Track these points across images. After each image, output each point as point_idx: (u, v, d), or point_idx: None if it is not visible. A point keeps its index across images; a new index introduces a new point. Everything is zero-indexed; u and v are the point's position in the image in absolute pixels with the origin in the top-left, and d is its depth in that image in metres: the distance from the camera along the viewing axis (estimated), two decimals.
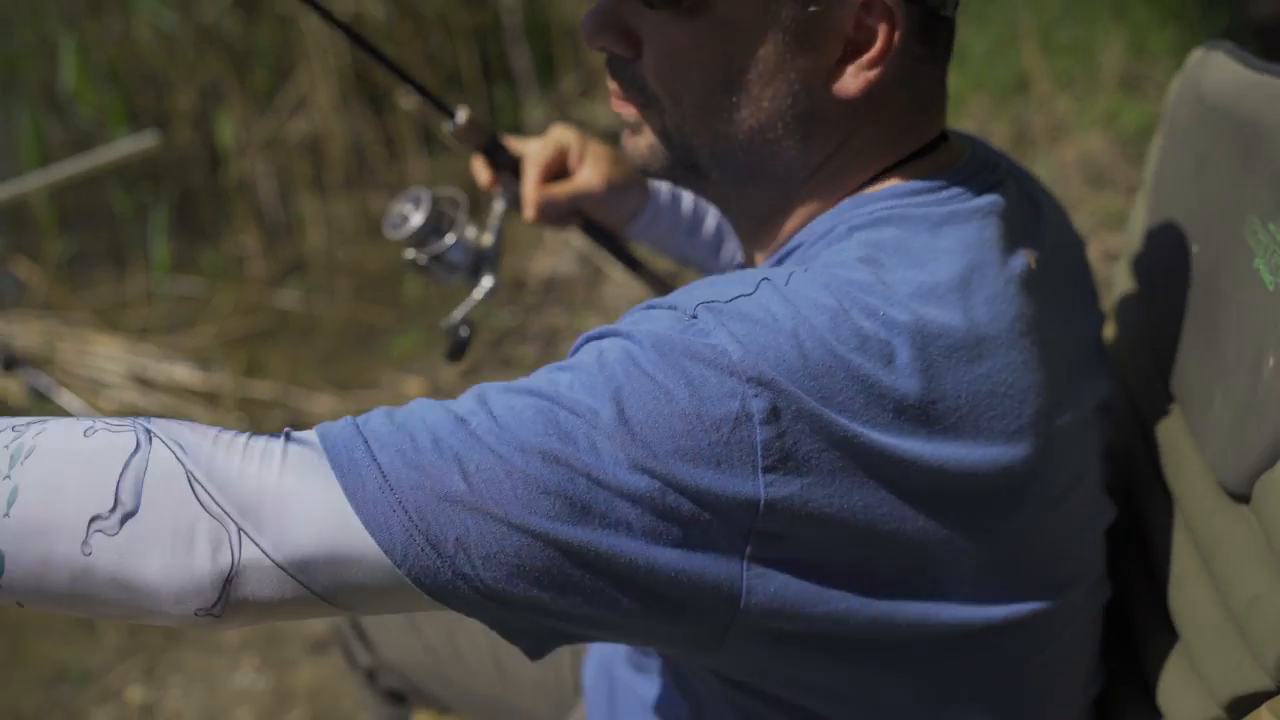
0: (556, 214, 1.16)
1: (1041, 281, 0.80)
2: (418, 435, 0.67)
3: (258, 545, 0.65)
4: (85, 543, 0.64)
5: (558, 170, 1.16)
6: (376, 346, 3.35)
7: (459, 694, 1.30)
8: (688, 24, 0.77)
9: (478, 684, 1.28)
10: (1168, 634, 0.85)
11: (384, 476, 0.66)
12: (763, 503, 0.67)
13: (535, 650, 0.73)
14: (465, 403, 0.70)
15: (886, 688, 0.79)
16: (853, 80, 0.77)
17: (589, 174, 1.16)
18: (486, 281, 1.14)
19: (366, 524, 0.66)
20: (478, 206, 1.16)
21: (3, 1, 4.03)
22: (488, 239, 1.14)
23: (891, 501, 0.69)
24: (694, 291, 0.73)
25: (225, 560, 0.64)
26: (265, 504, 0.65)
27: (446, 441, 0.67)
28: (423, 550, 0.66)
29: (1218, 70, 0.92)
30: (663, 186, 1.22)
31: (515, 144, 1.18)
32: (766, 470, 0.67)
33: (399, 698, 1.37)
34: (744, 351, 0.67)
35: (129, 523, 0.64)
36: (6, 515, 0.63)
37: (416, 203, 1.11)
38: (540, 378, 0.71)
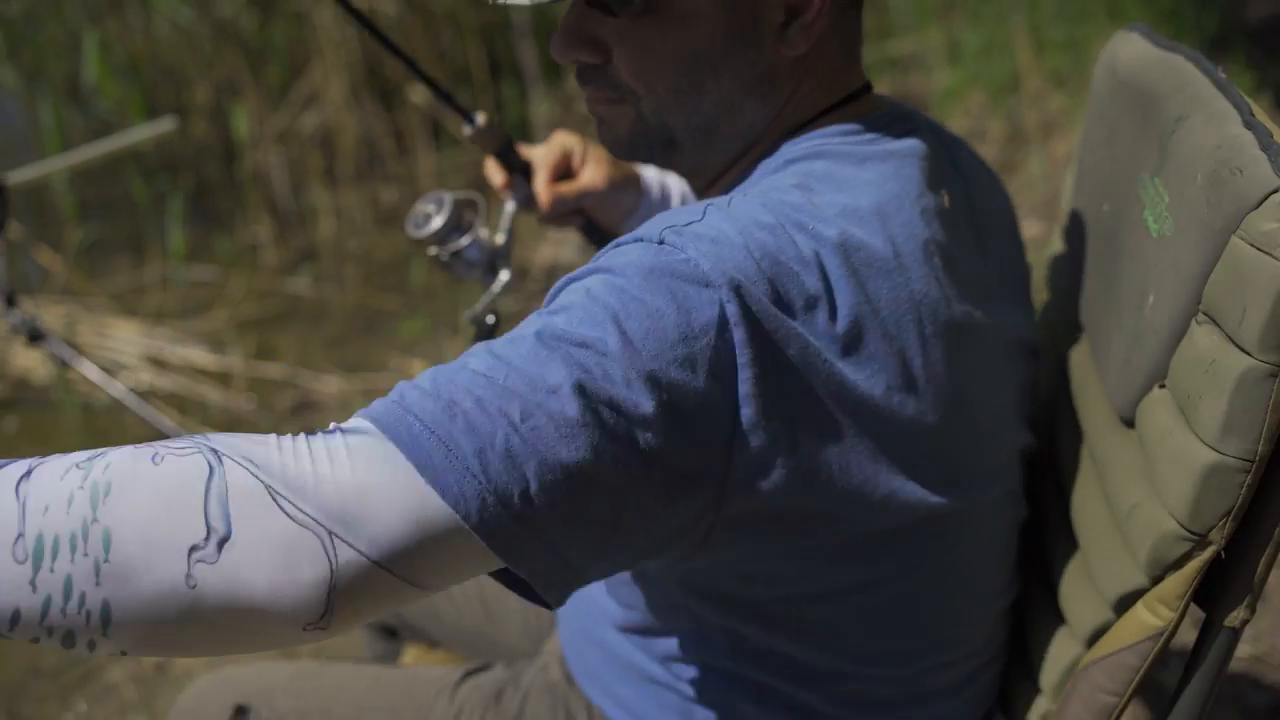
0: (564, 211, 1.27)
1: (954, 218, 0.90)
2: (460, 400, 0.70)
3: (354, 548, 0.66)
4: (189, 575, 0.64)
5: (564, 172, 1.27)
6: (383, 331, 3.45)
7: (447, 629, 1.40)
8: (650, 22, 0.87)
9: (465, 620, 1.38)
10: (1070, 545, 0.96)
11: (447, 448, 0.69)
12: (743, 397, 0.77)
13: (560, 601, 0.77)
14: (481, 359, 0.74)
15: (831, 581, 0.88)
16: (799, 39, 0.87)
17: (592, 174, 1.26)
18: (504, 275, 1.23)
19: (444, 496, 0.68)
20: (489, 207, 1.26)
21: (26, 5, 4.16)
22: (500, 237, 1.24)
23: (825, 398, 0.79)
24: (652, 224, 0.82)
25: (324, 569, 0.65)
26: (349, 504, 0.66)
27: (488, 400, 0.70)
28: (495, 510, 0.69)
29: (1130, 48, 1.02)
30: (653, 184, 1.33)
31: (525, 149, 1.28)
32: (744, 367, 0.76)
33: (391, 633, 1.47)
34: (711, 263, 0.77)
35: (226, 548, 0.64)
36: (107, 561, 0.63)
37: (439, 204, 1.21)
38: (538, 323, 0.77)
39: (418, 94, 4.26)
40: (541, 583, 0.74)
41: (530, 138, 4.22)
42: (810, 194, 0.84)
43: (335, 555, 0.66)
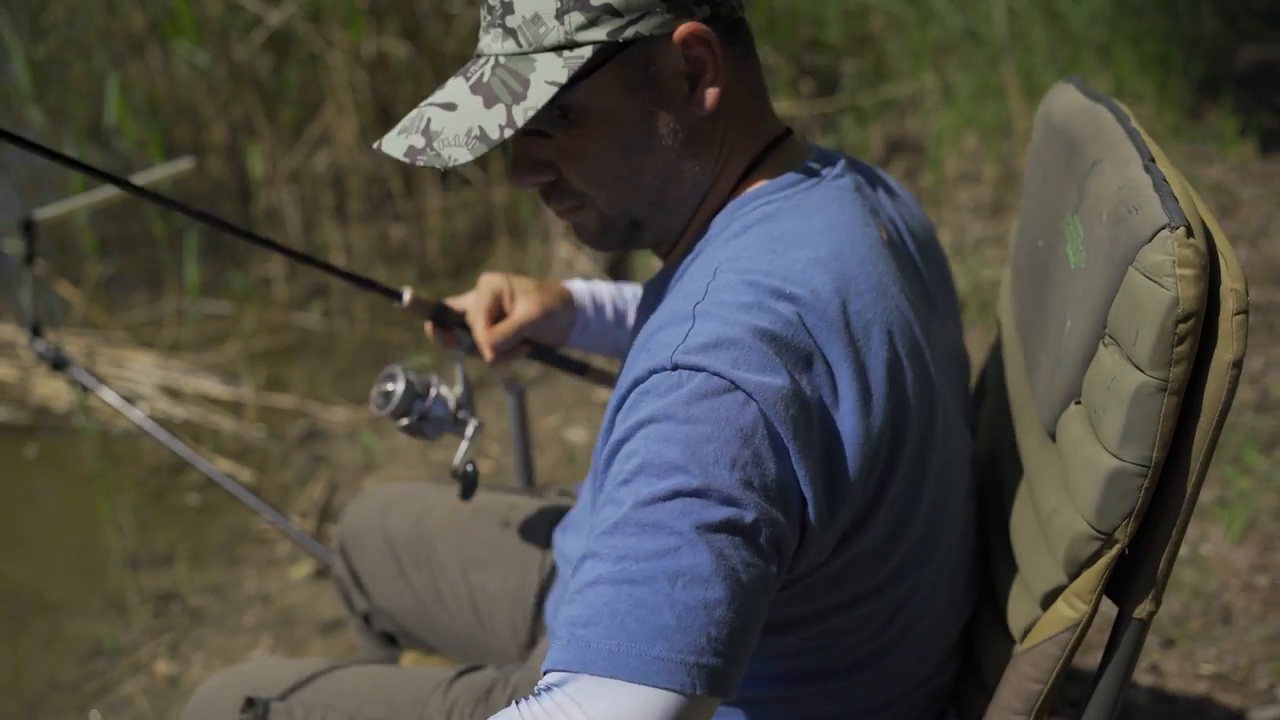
0: (508, 348, 1.36)
1: (893, 245, 1.00)
2: (619, 609, 0.80)
3: None
4: None
5: (497, 313, 1.36)
6: (391, 362, 3.55)
7: (441, 636, 1.49)
8: (579, 133, 0.98)
9: (458, 627, 1.47)
10: (1007, 551, 1.05)
11: (640, 651, 0.79)
12: (798, 468, 0.86)
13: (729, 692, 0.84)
14: (601, 567, 0.83)
15: (834, 599, 0.98)
16: (707, 98, 0.98)
17: (524, 307, 1.36)
18: (472, 423, 1.33)
19: (666, 687, 0.79)
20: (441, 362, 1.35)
21: (55, 42, 4.29)
22: (458, 388, 1.34)
23: (830, 427, 0.89)
24: (659, 350, 0.90)
25: None
26: None
27: (638, 594, 0.81)
28: (704, 666, 0.80)
29: (1063, 98, 1.12)
30: (584, 296, 1.42)
31: (456, 302, 1.38)
32: (789, 441, 0.85)
33: (391, 640, 1.56)
34: (728, 369, 0.86)
35: None
36: None
37: (393, 379, 1.30)
38: (622, 500, 0.84)
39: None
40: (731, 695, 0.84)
41: None
42: (775, 257, 0.94)
43: None
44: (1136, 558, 0.89)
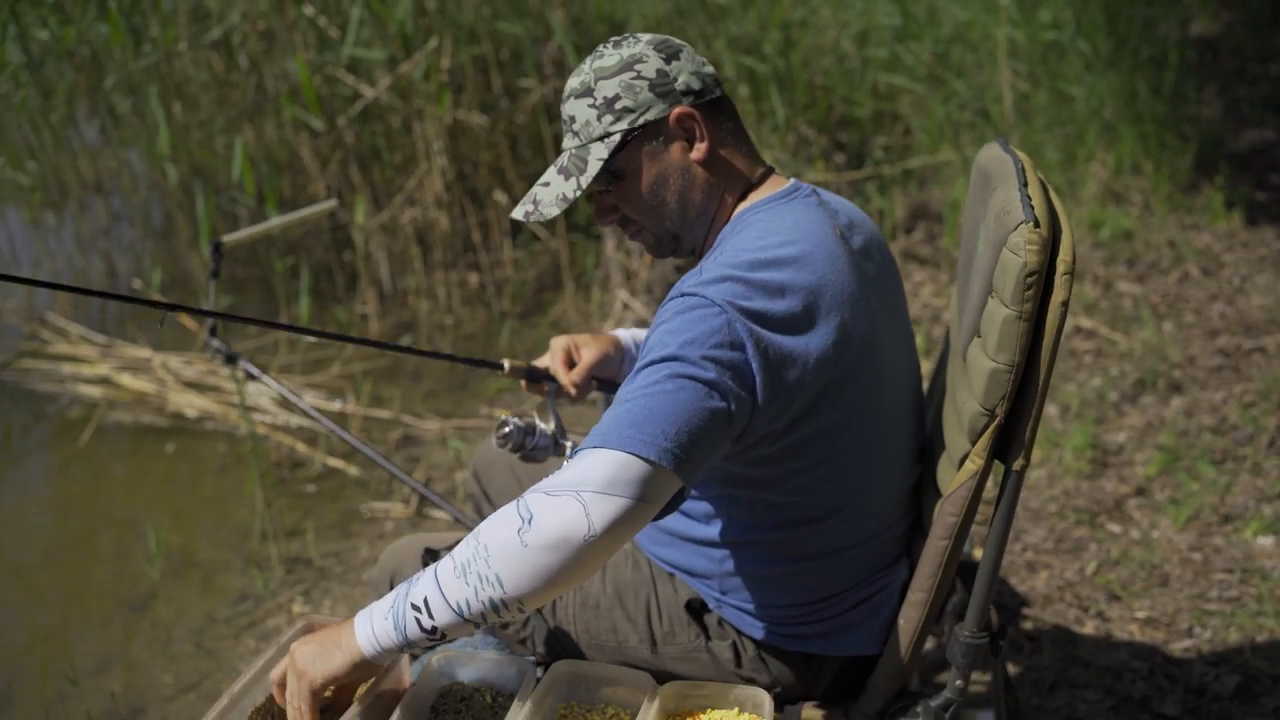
0: (584, 384, 1.91)
1: (841, 237, 1.54)
2: (631, 415, 1.31)
3: (590, 494, 1.27)
4: (521, 539, 1.26)
5: (570, 362, 1.92)
6: (471, 387, 4.12)
7: None
8: (625, 185, 1.56)
9: None
10: (940, 437, 1.58)
11: (641, 439, 1.29)
12: (751, 356, 1.37)
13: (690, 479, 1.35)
14: (626, 393, 1.35)
15: (803, 459, 1.50)
16: (700, 151, 1.54)
17: (589, 354, 1.92)
18: (568, 444, 1.85)
19: (645, 459, 1.28)
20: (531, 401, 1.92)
21: (190, 108, 4.94)
22: (552, 424, 1.88)
23: (795, 346, 1.42)
24: (681, 283, 1.44)
25: (579, 510, 1.27)
26: (592, 479, 1.28)
27: (648, 405, 1.31)
28: (667, 450, 1.29)
29: (987, 151, 1.66)
30: (629, 340, 1.98)
31: (538, 362, 1.94)
32: (747, 340, 1.37)
33: None
34: (713, 296, 1.39)
35: (532, 522, 1.27)
36: (489, 557, 1.27)
37: (506, 426, 1.82)
38: (642, 365, 1.38)
39: (502, 196, 5.00)
40: (688, 480, 1.35)
41: (598, 227, 4.95)
42: (761, 239, 1.48)
43: (585, 503, 1.27)
44: (1010, 427, 1.42)
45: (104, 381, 4.23)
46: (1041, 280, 1.35)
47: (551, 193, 1.55)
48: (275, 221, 2.73)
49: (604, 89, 1.52)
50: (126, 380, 4.19)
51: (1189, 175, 5.14)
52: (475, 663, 1.55)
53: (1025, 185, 1.44)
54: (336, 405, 3.93)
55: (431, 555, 1.72)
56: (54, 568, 3.27)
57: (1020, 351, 1.37)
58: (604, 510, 1.27)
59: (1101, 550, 2.77)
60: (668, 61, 1.54)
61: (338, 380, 4.14)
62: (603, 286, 4.70)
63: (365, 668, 1.36)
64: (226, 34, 4.94)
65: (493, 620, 1.31)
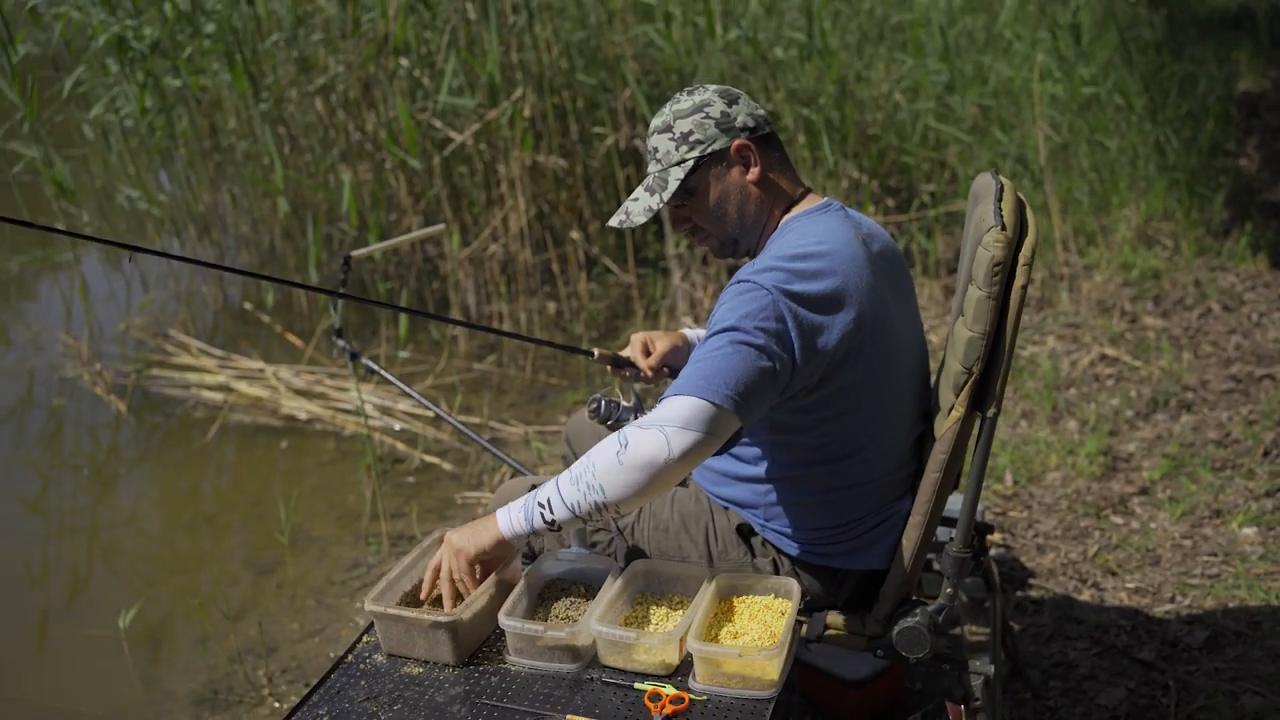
0: (658, 370, 2.37)
1: (863, 243, 1.97)
2: (704, 371, 1.75)
3: (674, 428, 1.71)
4: (620, 459, 1.70)
5: (647, 352, 2.38)
6: (550, 399, 4.59)
7: None
8: (696, 199, 2.01)
9: None
10: (937, 401, 2.01)
11: (710, 387, 1.73)
12: (791, 328, 1.81)
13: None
14: (699, 355, 1.81)
15: (832, 409, 1.93)
16: (754, 174, 1.99)
17: (662, 345, 2.38)
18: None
19: (713, 403, 1.72)
20: (616, 383, 2.38)
21: (294, 150, 5.51)
22: (632, 400, 2.34)
23: (825, 320, 1.86)
24: (741, 272, 1.88)
25: (662, 441, 1.70)
26: (674, 417, 1.72)
27: (720, 364, 1.75)
28: (729, 396, 1.74)
29: (980, 179, 2.10)
30: (694, 336, 2.43)
31: (623, 352, 2.40)
32: (788, 315, 1.82)
33: None
34: (762, 281, 1.84)
35: (629, 446, 1.70)
36: (595, 472, 1.73)
37: (597, 401, 2.29)
38: (710, 334, 1.84)
39: (577, 235, 5.50)
40: (745, 421, 1.80)
41: (664, 258, 5.42)
42: (799, 239, 1.92)
43: (667, 435, 1.73)
44: (984, 383, 1.85)
45: (224, 388, 4.76)
46: (1006, 269, 1.80)
47: (640, 205, 2.01)
48: (396, 240, 3.21)
49: (680, 126, 1.99)
50: (243, 387, 4.72)
51: (1219, 222, 5.51)
52: (573, 561, 2.00)
53: (1000, 200, 1.88)
54: (429, 411, 4.41)
55: (533, 488, 2.18)
56: (191, 539, 3.78)
57: (990, 323, 1.81)
58: (681, 441, 1.72)
59: (1104, 537, 3.16)
60: (729, 105, 2.00)
61: (431, 390, 4.63)
62: (669, 314, 5.16)
63: (504, 546, 1.83)
64: (331, 81, 5.51)
65: (595, 519, 1.77)
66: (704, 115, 1.98)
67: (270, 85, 5.50)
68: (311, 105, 5.59)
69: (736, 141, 1.98)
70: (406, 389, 2.94)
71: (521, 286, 5.45)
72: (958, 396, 1.88)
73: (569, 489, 1.76)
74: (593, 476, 1.74)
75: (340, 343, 3.08)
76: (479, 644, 1.88)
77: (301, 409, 4.50)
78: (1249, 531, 3.10)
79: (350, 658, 1.89)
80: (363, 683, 1.82)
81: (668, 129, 2.00)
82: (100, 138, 5.83)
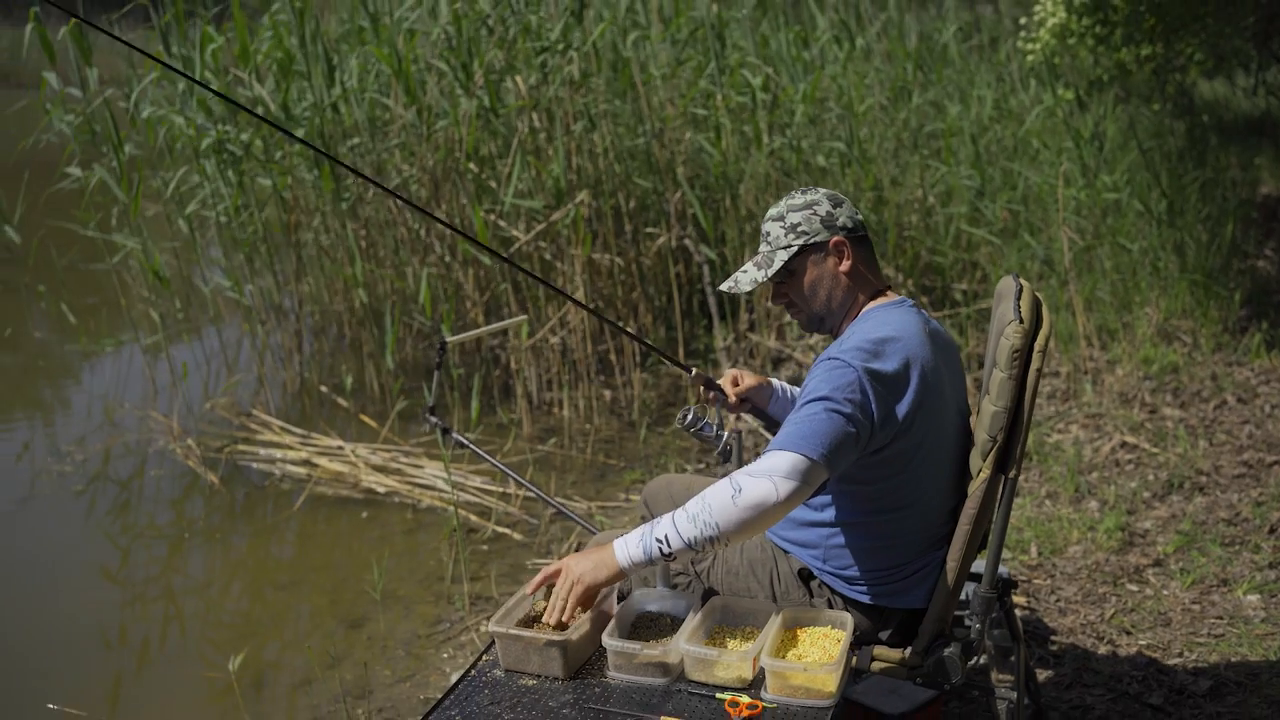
0: (740, 401, 2.77)
1: (929, 334, 2.35)
2: (803, 432, 2.11)
3: (782, 478, 2.07)
4: (734, 501, 2.05)
5: (736, 383, 2.77)
6: (610, 479, 4.97)
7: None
8: (795, 279, 2.42)
9: None
10: (969, 469, 2.37)
11: (810, 444, 2.11)
12: (872, 402, 2.19)
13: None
14: (803, 413, 2.18)
15: (890, 469, 2.30)
16: (845, 266, 2.39)
17: (749, 381, 2.77)
18: (728, 434, 2.73)
19: (800, 452, 2.11)
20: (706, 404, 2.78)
21: (368, 249, 6.00)
22: (716, 420, 2.75)
23: (896, 393, 2.24)
24: (831, 349, 2.27)
25: (771, 489, 2.05)
26: (781, 469, 2.07)
27: (816, 427, 2.12)
28: (824, 453, 2.12)
29: (1004, 280, 2.48)
30: (776, 384, 2.83)
31: (717, 377, 2.79)
32: (869, 389, 2.20)
33: None
34: (850, 359, 2.21)
35: (742, 490, 2.06)
36: (711, 513, 2.08)
37: (688, 413, 2.71)
38: (809, 399, 2.20)
39: (630, 328, 5.92)
40: (833, 474, 2.19)
41: (713, 350, 5.82)
42: (875, 329, 2.30)
43: (775, 483, 2.11)
44: (1006, 449, 2.22)
45: (306, 463, 5.17)
46: (1024, 356, 2.18)
47: (748, 277, 2.42)
48: (488, 328, 3.61)
49: (791, 217, 2.39)
50: (325, 463, 5.12)
51: (1236, 319, 5.86)
52: (660, 598, 2.36)
53: (1019, 298, 2.27)
54: (498, 487, 4.80)
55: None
56: (286, 596, 4.16)
57: (1011, 399, 2.19)
58: (786, 488, 2.10)
59: (1120, 602, 3.49)
60: (834, 207, 2.40)
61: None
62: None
63: (619, 576, 2.19)
64: (404, 183, 5.99)
65: (705, 552, 2.14)
66: (812, 211, 2.39)
67: (349, 185, 6.00)
68: (385, 205, 6.08)
69: (835, 238, 2.37)
70: (494, 461, 3.34)
71: (580, 375, 5.85)
72: (984, 460, 2.25)
73: (686, 526, 2.13)
74: (709, 515, 2.11)
75: (433, 419, 3.46)
76: (583, 662, 2.24)
77: (380, 483, 4.90)
78: (1253, 598, 3.42)
79: (473, 672, 2.26)
80: (485, 691, 2.18)
81: (781, 218, 2.41)
82: (191, 231, 6.34)
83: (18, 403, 6.53)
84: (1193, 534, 3.89)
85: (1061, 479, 4.42)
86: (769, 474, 2.09)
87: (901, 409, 2.23)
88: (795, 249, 2.38)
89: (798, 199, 2.42)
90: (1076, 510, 4.16)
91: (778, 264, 2.39)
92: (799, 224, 2.39)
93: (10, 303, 7.90)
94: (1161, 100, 9.23)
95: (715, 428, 2.73)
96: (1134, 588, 3.58)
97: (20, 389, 6.80)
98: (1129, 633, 3.31)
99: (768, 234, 2.43)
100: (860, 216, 2.45)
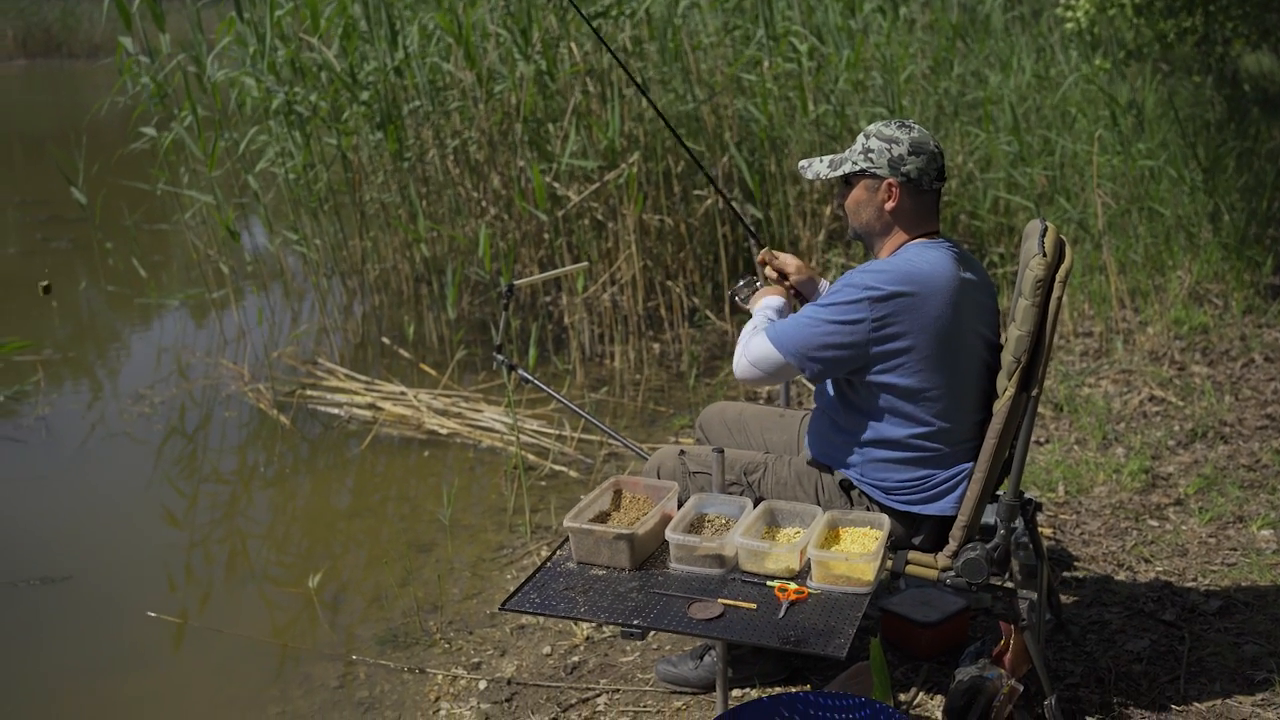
0: (790, 287, 3.02)
1: (958, 273, 2.59)
2: (786, 333, 2.52)
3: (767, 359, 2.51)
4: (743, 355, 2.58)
5: (795, 268, 3.04)
6: (659, 424, 5.23)
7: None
8: (848, 193, 2.67)
9: (758, 458, 3.06)
10: (997, 381, 2.62)
11: (783, 344, 2.50)
12: (871, 320, 2.46)
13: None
14: (801, 320, 2.54)
15: (913, 383, 2.56)
16: (891, 205, 2.63)
17: (803, 275, 3.01)
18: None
19: (784, 356, 2.50)
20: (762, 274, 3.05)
21: (429, 206, 6.30)
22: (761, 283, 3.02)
23: (905, 325, 2.49)
24: (852, 274, 2.54)
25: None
26: (765, 356, 2.53)
27: (801, 334, 2.50)
28: (801, 357, 2.49)
29: (1030, 224, 2.72)
30: (824, 284, 3.07)
31: (783, 258, 3.05)
32: (872, 307, 2.46)
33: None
34: (864, 281, 2.48)
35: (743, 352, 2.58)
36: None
37: (742, 278, 2.97)
38: (812, 309, 2.56)
39: (678, 286, 6.17)
40: (811, 377, 2.50)
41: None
42: (907, 260, 2.54)
43: (751, 368, 2.52)
44: (1029, 370, 2.46)
45: (371, 407, 5.47)
46: (1047, 285, 2.42)
47: (814, 169, 2.71)
48: (552, 273, 3.89)
49: (873, 142, 2.62)
50: (389, 406, 5.42)
51: (1268, 284, 6.04)
52: (715, 501, 2.63)
53: (1043, 236, 2.51)
54: (554, 430, 5.09)
55: (683, 454, 2.82)
56: (359, 524, 4.47)
57: (1034, 324, 2.44)
58: (753, 373, 2.57)
59: (1140, 535, 3.73)
60: (911, 154, 2.59)
61: (553, 412, 5.30)
62: None
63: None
64: (463, 144, 6.27)
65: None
66: (889, 146, 2.60)
67: (411, 146, 6.28)
68: (444, 164, 6.36)
69: (891, 179, 2.59)
70: (556, 395, 3.61)
71: (631, 328, 6.12)
72: (1010, 380, 2.50)
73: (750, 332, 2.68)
74: (744, 339, 2.64)
75: (500, 356, 3.74)
76: (648, 555, 2.51)
77: (442, 425, 5.19)
78: (1266, 533, 3.65)
79: (549, 564, 2.53)
80: (560, 579, 2.46)
81: (867, 136, 2.64)
82: (261, 188, 6.64)
83: (93, 351, 6.88)
84: (1213, 477, 4.11)
85: (1091, 428, 4.64)
86: (754, 360, 2.58)
87: (909, 336, 2.49)
88: (859, 169, 2.62)
89: (889, 130, 2.62)
90: (1103, 455, 4.39)
91: (841, 170, 2.65)
92: (872, 150, 2.61)
93: (82, 259, 8.26)
94: (1204, 73, 9.35)
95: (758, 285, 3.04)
96: (1154, 523, 3.81)
97: (94, 339, 7.15)
98: (1147, 561, 3.55)
99: (855, 142, 2.67)
100: (935, 171, 2.61)
